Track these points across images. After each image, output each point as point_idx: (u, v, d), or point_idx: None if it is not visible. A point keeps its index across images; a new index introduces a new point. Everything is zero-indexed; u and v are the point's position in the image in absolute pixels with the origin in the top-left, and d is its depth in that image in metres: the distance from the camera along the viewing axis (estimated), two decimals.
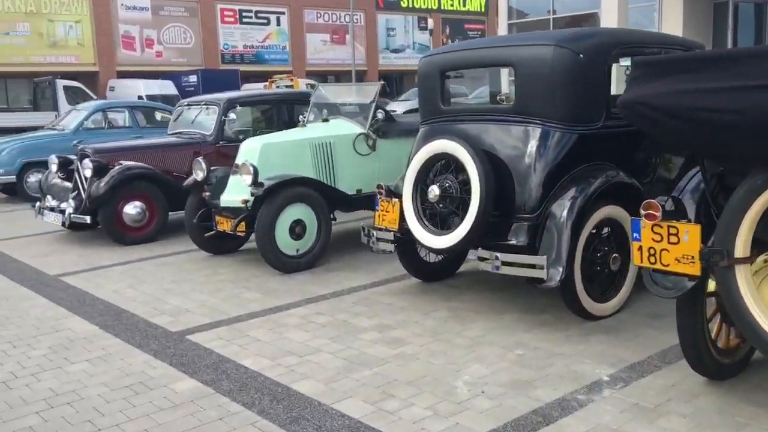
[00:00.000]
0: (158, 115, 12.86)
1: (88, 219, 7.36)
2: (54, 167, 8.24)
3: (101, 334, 4.73)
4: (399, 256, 5.47)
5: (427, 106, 5.15)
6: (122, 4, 37.99)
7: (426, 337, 4.38)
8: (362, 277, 5.88)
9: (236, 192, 6.26)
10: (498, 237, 4.52)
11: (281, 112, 8.71)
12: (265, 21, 43.93)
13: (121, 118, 12.41)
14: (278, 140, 6.46)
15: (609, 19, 14.75)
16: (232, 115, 8.16)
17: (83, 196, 7.61)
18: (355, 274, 6.01)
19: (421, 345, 4.26)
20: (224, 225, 6.35)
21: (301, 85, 29.74)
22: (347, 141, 6.64)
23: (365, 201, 6.81)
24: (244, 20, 42.87)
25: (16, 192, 11.36)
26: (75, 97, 23.54)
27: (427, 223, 4.75)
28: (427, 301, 5.13)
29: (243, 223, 6.15)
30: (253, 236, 6.17)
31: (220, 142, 8.25)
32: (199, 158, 6.65)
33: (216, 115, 8.25)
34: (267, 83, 30.24)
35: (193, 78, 32.26)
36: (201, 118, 8.57)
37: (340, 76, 48.28)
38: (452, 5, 53.71)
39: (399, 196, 5.12)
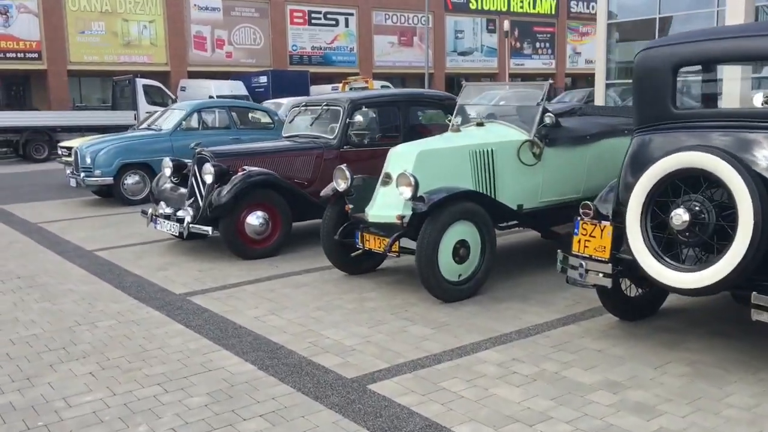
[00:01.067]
0: (249, 116, 12.27)
1: (209, 230, 6.66)
2: (168, 171, 7.58)
3: (263, 377, 3.95)
4: (598, 290, 4.55)
5: (650, 108, 4.22)
6: (195, 5, 38.01)
7: (681, 405, 3.46)
8: (541, 311, 4.99)
9: (389, 206, 5.45)
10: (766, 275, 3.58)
11: (405, 114, 7.89)
12: (333, 22, 43.51)
13: (217, 118, 11.82)
14: (435, 147, 5.62)
15: (735, 20, 13.53)
16: (358, 117, 7.39)
17: (201, 203, 6.93)
18: (528, 306, 5.13)
19: (682, 416, 3.34)
20: (373, 243, 5.54)
21: (376, 86, 29.09)
22: (511, 149, 5.76)
23: (527, 218, 5.93)
24: (313, 21, 42.52)
25: (111, 194, 10.85)
26: (154, 96, 23.33)
27: (665, 255, 3.82)
28: (647, 349, 4.20)
29: (397, 243, 5.34)
30: (390, 254, 5.38)
31: (344, 147, 7.49)
32: (342, 165, 5.86)
33: (339, 118, 7.49)
34: (341, 85, 29.66)
35: (263, 79, 31.94)
36: (321, 120, 7.83)
37: (407, 79, 47.63)
38: (521, 7, 52.42)
39: (606, 217, 4.23)
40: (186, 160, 7.70)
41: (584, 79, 56.27)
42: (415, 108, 8.20)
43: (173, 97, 23.99)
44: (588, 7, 56.22)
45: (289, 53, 41.78)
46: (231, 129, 11.40)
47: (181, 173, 7.59)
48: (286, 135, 8.17)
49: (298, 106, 8.28)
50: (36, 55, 32.17)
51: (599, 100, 18.56)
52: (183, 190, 7.39)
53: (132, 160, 10.56)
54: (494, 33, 51.63)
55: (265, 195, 6.86)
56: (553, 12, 53.71)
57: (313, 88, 32.00)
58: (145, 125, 13.93)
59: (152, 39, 36.40)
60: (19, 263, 6.98)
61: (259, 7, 40.34)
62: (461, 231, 5.24)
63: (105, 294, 5.79)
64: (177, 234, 6.89)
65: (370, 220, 5.54)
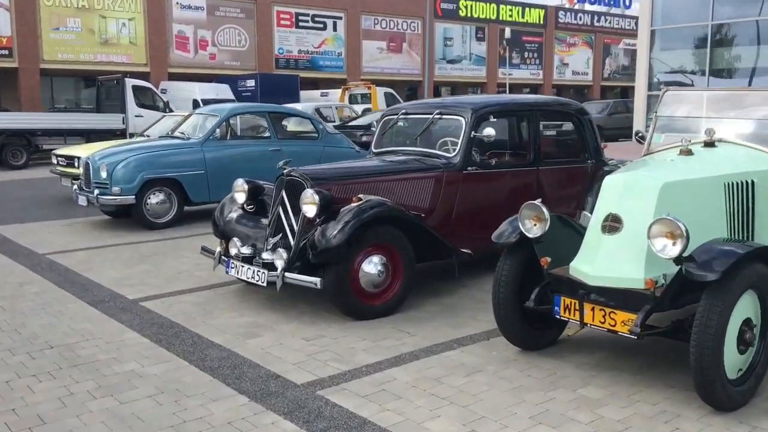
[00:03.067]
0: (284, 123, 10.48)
1: (317, 282, 4.84)
2: (241, 197, 5.75)
3: None
4: None
5: None
6: (177, 2, 35.94)
7: None
8: None
9: (620, 263, 3.73)
10: None
11: (535, 127, 6.21)
12: (321, 26, 41.76)
13: (253, 125, 10.00)
14: (682, 177, 3.92)
15: None
16: (487, 130, 5.66)
17: (292, 241, 5.14)
18: None
19: None
20: (596, 317, 3.81)
21: (379, 93, 27.36)
22: None
23: None
24: (300, 24, 40.71)
25: (127, 214, 8.94)
26: (143, 99, 21.31)
27: None
28: None
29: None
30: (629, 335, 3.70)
31: (468, 168, 5.78)
32: (536, 202, 4.11)
33: (460, 130, 5.79)
34: (340, 91, 27.87)
35: (250, 83, 30.03)
36: (430, 132, 6.11)
37: (395, 86, 46.04)
38: (511, 16, 51.37)
39: None
40: (264, 183, 5.89)
41: (568, 91, 55.40)
42: (543, 119, 6.52)
43: (164, 100, 21.96)
44: (576, 18, 55.42)
45: (276, 56, 39.86)
46: (272, 139, 9.58)
47: (256, 199, 5.79)
48: (378, 150, 6.42)
49: (392, 114, 6.54)
50: (6, 52, 29.75)
51: (639, 115, 17.16)
52: (262, 220, 5.59)
53: (157, 174, 8.65)
54: (483, 41, 50.40)
55: (386, 233, 5.09)
56: (542, 22, 52.74)
57: (302, 94, 30.19)
58: (153, 131, 12.03)
59: (131, 37, 34.20)
60: (44, 321, 5.08)
61: (244, 7, 38.41)
62: (746, 306, 3.56)
63: (188, 381, 3.96)
64: (264, 284, 5.06)
65: (594, 283, 3.80)
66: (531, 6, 53.33)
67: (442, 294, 5.64)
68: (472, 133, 5.74)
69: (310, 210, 5.01)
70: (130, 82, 20.82)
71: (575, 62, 56.41)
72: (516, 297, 4.18)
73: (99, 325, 5.00)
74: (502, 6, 51.23)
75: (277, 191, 5.40)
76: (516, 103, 6.58)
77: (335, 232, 4.83)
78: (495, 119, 5.95)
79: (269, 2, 39.18)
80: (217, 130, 9.12)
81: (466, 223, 5.75)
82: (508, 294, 4.19)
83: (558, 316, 4.01)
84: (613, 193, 3.91)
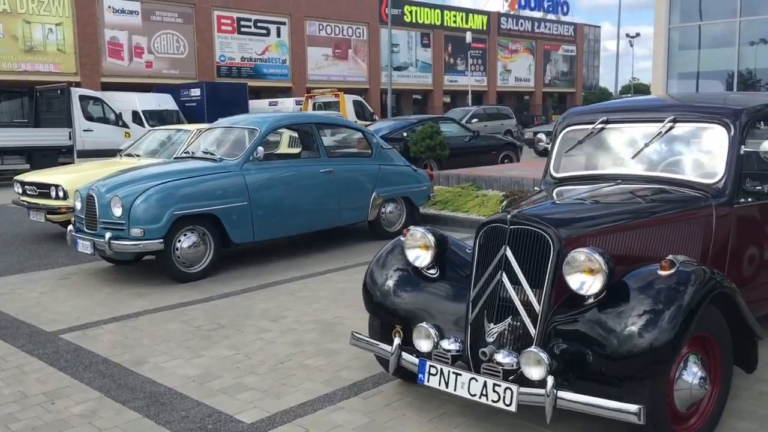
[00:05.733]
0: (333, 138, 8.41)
1: (638, 413, 2.84)
2: (424, 256, 3.67)
3: None
4: None
5: None
6: (109, 6, 32.96)
7: None
8: None
9: None
10: None
11: None
12: (264, 31, 39.46)
13: (295, 140, 7.89)
14: None
15: None
16: (765, 144, 3.84)
17: (532, 330, 3.16)
18: None
19: None
20: None
21: (348, 102, 25.30)
22: None
23: None
24: (243, 30, 38.30)
25: (135, 259, 6.66)
26: (92, 111, 18.66)
27: None
28: None
29: None
30: None
31: (741, 201, 3.94)
32: None
33: (719, 142, 3.96)
34: (303, 99, 25.66)
35: (195, 92, 27.41)
36: (655, 148, 4.24)
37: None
38: (455, 22, 50.39)
39: None
40: (447, 233, 3.85)
41: (511, 97, 54.83)
42: None
43: (116, 111, 19.32)
44: (517, 24, 54.95)
45: (217, 64, 37.27)
46: (321, 158, 7.49)
47: (440, 257, 3.74)
48: (563, 175, 4.50)
49: (582, 124, 4.60)
50: None
51: None
52: (448, 290, 3.56)
53: (191, 209, 6.43)
54: (429, 48, 49.13)
55: (710, 318, 3.16)
56: (485, 27, 51.95)
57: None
58: (139, 149, 9.72)
59: (59, 44, 31.02)
60: None
61: (182, 11, 35.71)
62: None
63: None
64: (512, 407, 3.02)
65: None
66: (474, 12, 52.54)
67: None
68: (740, 146, 3.91)
69: (593, 283, 3.04)
70: (76, 92, 18.15)
71: (518, 68, 55.90)
72: None
73: None
74: (446, 12, 50.15)
75: (486, 246, 3.38)
76: None
77: (649, 323, 2.88)
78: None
79: (209, 6, 36.58)
80: (260, 148, 6.96)
81: (740, 280, 3.89)
82: None
83: None
84: None
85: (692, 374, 3.08)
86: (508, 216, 3.32)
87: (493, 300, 3.32)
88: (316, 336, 4.85)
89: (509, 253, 3.30)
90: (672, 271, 3.02)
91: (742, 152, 3.92)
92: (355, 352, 4.41)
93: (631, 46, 67.96)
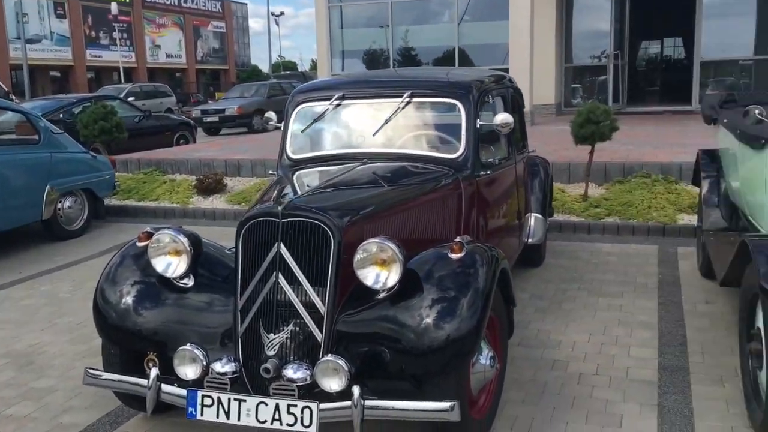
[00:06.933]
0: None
1: (453, 408, 2.58)
2: (177, 264, 2.91)
3: None
4: None
5: None
6: None
7: None
8: None
9: None
10: None
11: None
12: None
13: None
14: None
15: None
16: (500, 118, 3.98)
17: (318, 335, 2.76)
18: None
19: None
20: None
21: None
22: None
23: None
24: None
25: None
26: None
27: None
28: None
29: None
30: None
31: (481, 173, 4.05)
32: None
33: (459, 117, 4.02)
34: None
35: None
36: (398, 126, 4.14)
37: None
38: None
39: None
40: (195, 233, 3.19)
41: (163, 75, 52.58)
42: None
43: (15, 99, 14.05)
44: None
45: None
46: None
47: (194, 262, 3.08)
48: (301, 157, 4.17)
49: (313, 101, 4.26)
50: None
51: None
52: (203, 300, 2.99)
53: None
54: (65, 18, 44.47)
55: (497, 300, 3.07)
56: (128, 0, 48.70)
57: None
58: None
59: None
60: None
61: None
62: None
63: None
64: (313, 429, 2.61)
65: None
66: None
67: None
68: (476, 120, 3.99)
69: (389, 275, 2.75)
70: None
71: (167, 44, 53.71)
72: None
73: None
74: None
75: (252, 244, 2.88)
76: (494, 77, 4.78)
77: (449, 312, 2.70)
78: (493, 100, 4.25)
79: None
80: None
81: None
82: None
83: None
84: None
85: (485, 356, 2.99)
86: (280, 208, 2.86)
87: (270, 306, 2.84)
88: (12, 374, 3.83)
89: (284, 250, 2.84)
90: (463, 254, 2.88)
91: (478, 126, 3.99)
92: (73, 388, 3.58)
93: (277, 24, 70.05)
